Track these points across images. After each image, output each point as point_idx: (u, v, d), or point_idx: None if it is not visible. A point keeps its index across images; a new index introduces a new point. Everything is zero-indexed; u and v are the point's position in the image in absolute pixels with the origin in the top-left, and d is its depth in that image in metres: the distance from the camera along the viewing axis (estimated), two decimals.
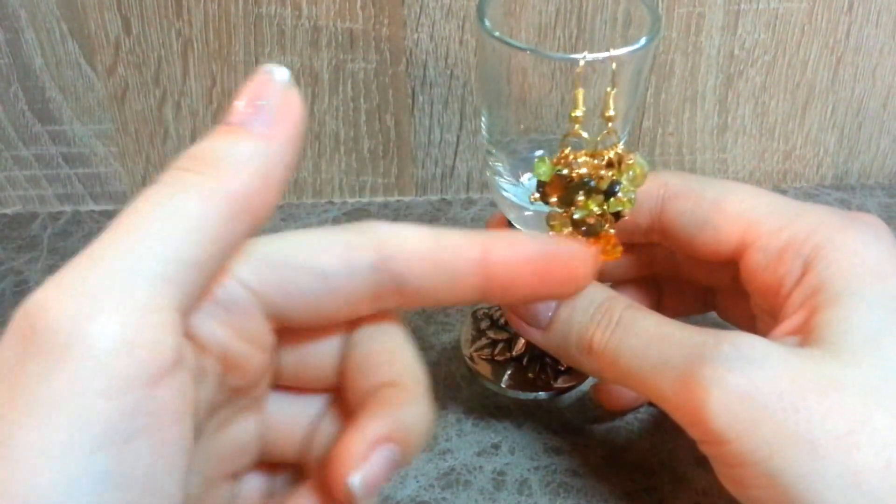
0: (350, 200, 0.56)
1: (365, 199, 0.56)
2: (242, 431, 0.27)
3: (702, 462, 0.40)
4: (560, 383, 0.41)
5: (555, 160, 0.32)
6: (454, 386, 0.44)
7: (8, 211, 0.56)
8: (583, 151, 0.32)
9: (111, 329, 0.20)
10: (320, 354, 0.28)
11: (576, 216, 0.33)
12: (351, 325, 0.27)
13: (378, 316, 0.27)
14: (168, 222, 0.22)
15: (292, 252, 0.25)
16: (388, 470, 0.24)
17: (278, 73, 0.24)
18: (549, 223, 0.33)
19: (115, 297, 0.21)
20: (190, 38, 0.50)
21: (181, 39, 0.51)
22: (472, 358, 0.42)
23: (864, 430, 0.28)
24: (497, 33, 0.33)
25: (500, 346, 0.42)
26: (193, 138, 0.54)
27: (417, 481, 0.39)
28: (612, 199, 0.32)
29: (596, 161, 0.32)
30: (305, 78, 0.52)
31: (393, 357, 0.27)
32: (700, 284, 0.40)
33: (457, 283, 0.26)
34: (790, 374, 0.29)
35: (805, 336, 0.30)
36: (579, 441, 0.41)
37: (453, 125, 0.54)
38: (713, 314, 0.41)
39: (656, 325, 0.32)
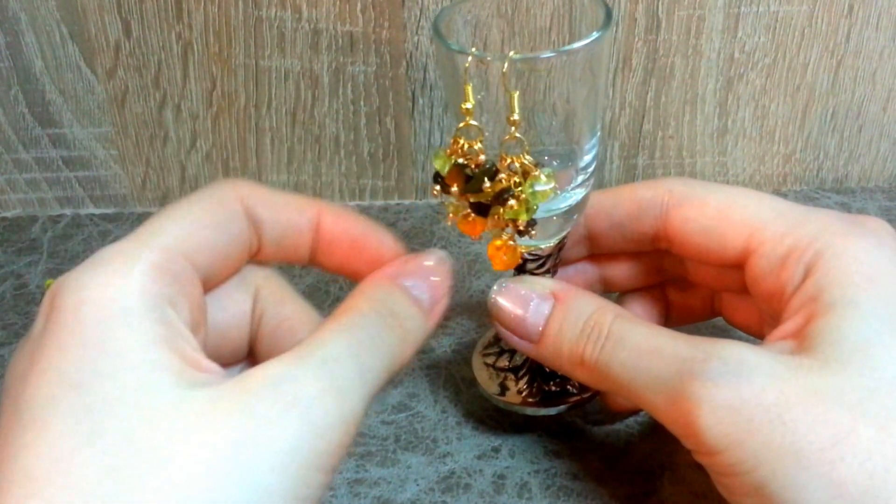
0: (350, 203, 0.56)
1: (365, 202, 0.56)
2: None
3: (701, 465, 0.40)
4: (566, 400, 0.40)
5: (449, 151, 0.33)
6: (454, 389, 0.44)
7: (8, 214, 0.56)
8: (477, 140, 0.33)
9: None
10: (235, 328, 0.31)
11: (472, 200, 0.34)
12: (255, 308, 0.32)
13: (275, 285, 0.32)
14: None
15: (199, 221, 0.29)
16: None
17: (447, 260, 0.32)
18: (447, 205, 0.35)
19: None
20: (190, 41, 0.50)
21: (181, 42, 0.51)
22: (474, 363, 0.42)
23: (848, 442, 0.28)
24: (450, 42, 0.33)
25: (504, 356, 0.41)
26: (193, 141, 0.54)
27: (417, 485, 0.39)
28: (507, 206, 0.33)
29: (506, 163, 0.33)
30: (305, 81, 0.52)
31: (299, 323, 0.32)
32: (707, 290, 0.40)
33: (298, 237, 0.32)
34: (778, 387, 0.29)
35: (799, 343, 0.31)
36: (579, 444, 0.41)
37: (453, 128, 0.54)
38: (719, 320, 0.41)
39: (646, 338, 0.32)
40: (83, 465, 0.22)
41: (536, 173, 0.32)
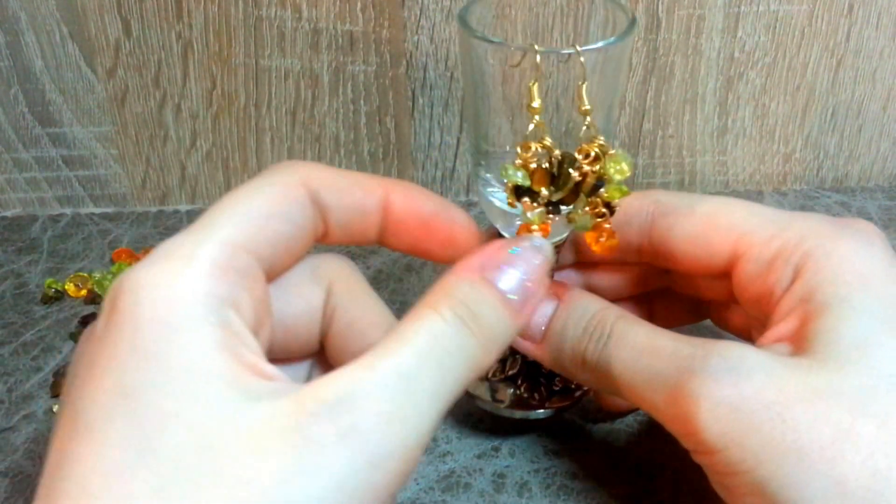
0: None
1: None
2: None
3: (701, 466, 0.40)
4: (553, 403, 0.40)
5: (520, 162, 0.32)
6: None
7: (8, 213, 0.56)
8: (548, 138, 0.32)
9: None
10: (305, 324, 0.30)
11: (554, 199, 0.33)
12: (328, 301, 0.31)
13: (350, 281, 0.31)
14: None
15: (262, 211, 0.28)
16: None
17: (547, 259, 0.30)
18: (531, 217, 0.34)
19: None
20: (190, 40, 0.50)
21: (181, 42, 0.51)
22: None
23: (849, 439, 0.28)
24: (478, 32, 0.33)
25: (496, 365, 0.41)
26: (193, 140, 0.54)
27: (417, 484, 0.39)
28: (601, 191, 0.32)
29: (580, 156, 0.32)
30: (305, 80, 0.52)
31: (372, 324, 0.30)
32: (694, 299, 0.40)
33: (366, 219, 0.30)
34: (777, 385, 0.29)
35: (796, 344, 0.31)
36: (579, 444, 0.41)
37: (453, 127, 0.54)
38: (708, 322, 0.41)
39: (647, 337, 0.32)
40: (132, 483, 0.22)
41: (613, 152, 0.32)
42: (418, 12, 0.50)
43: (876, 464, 0.27)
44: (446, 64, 0.51)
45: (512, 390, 0.40)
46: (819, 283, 0.31)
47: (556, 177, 0.33)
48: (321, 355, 0.32)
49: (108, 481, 0.22)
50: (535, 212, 0.33)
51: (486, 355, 0.27)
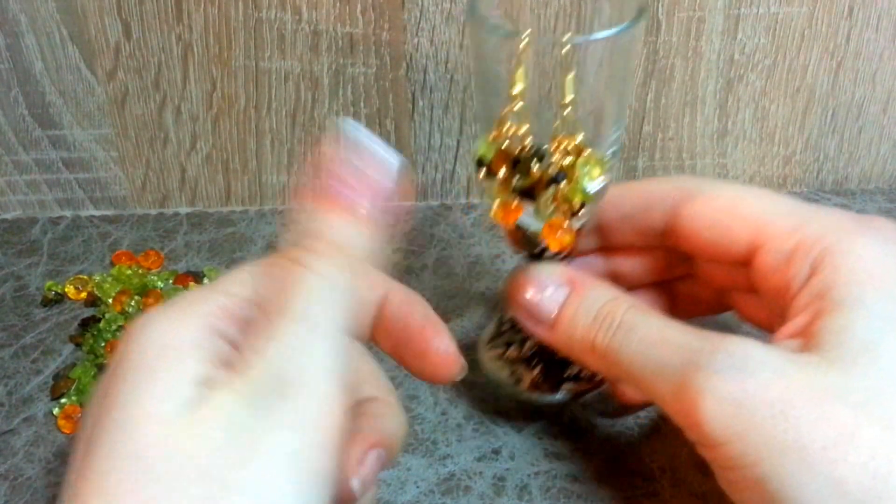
0: None
1: None
2: None
3: (701, 467, 0.40)
4: (567, 388, 0.40)
5: (493, 136, 0.33)
6: (454, 391, 0.44)
7: (8, 216, 0.56)
8: (525, 125, 0.33)
9: None
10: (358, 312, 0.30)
11: (516, 184, 0.33)
12: None
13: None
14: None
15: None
16: (379, 469, 0.30)
17: (395, 161, 0.28)
18: (491, 193, 0.34)
19: None
20: (190, 42, 0.50)
21: (181, 44, 0.51)
22: (482, 357, 0.42)
23: (851, 441, 0.28)
24: (489, 22, 0.33)
25: (513, 347, 0.41)
26: (193, 143, 0.54)
27: (418, 487, 0.39)
28: (562, 185, 0.33)
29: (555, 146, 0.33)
30: (305, 82, 0.52)
31: (372, 375, 0.32)
32: (716, 287, 0.40)
33: (363, 309, 0.31)
34: (783, 383, 0.29)
35: (807, 341, 0.31)
36: (579, 446, 0.41)
37: (453, 130, 0.54)
38: (728, 316, 0.41)
39: (657, 329, 0.32)
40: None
41: (587, 154, 0.33)
42: (418, 14, 0.50)
43: (877, 466, 0.27)
44: (446, 66, 0.51)
45: (529, 374, 0.40)
46: (835, 280, 0.31)
47: (516, 162, 0.33)
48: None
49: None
50: (490, 183, 0.34)
51: (359, 274, 0.28)
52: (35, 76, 0.51)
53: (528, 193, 0.34)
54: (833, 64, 0.53)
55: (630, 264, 0.41)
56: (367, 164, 0.28)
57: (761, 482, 0.28)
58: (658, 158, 0.56)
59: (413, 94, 0.52)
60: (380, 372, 0.33)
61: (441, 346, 0.32)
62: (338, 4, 0.49)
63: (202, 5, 0.49)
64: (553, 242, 0.35)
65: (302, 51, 0.51)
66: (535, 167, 0.33)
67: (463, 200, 0.57)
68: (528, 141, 0.33)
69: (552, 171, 0.33)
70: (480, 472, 0.40)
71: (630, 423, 0.42)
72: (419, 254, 0.52)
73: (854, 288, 0.31)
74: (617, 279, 0.41)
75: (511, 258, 0.52)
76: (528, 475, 0.40)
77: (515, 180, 0.34)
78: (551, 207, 0.34)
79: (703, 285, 0.40)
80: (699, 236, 0.36)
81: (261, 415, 0.24)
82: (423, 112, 0.53)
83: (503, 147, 0.33)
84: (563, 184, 0.33)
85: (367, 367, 0.33)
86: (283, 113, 0.53)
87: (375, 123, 0.53)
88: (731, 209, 0.35)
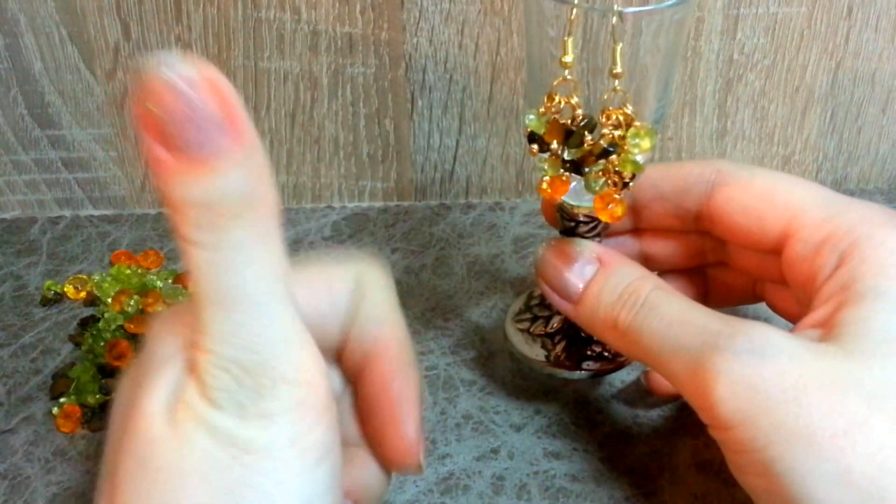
0: (349, 205, 0.56)
1: (364, 204, 0.56)
2: None
3: (701, 467, 0.40)
4: (588, 366, 0.40)
5: (543, 109, 0.33)
6: (453, 391, 0.44)
7: (7, 215, 0.56)
8: (575, 96, 0.33)
9: None
10: (329, 323, 0.30)
11: (566, 157, 0.33)
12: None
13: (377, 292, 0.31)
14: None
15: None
16: None
17: (181, 70, 0.23)
18: (541, 165, 0.34)
19: None
20: (189, 42, 0.50)
21: (180, 44, 0.51)
22: (508, 331, 0.42)
23: (861, 432, 0.28)
24: None
25: (539, 322, 0.41)
26: None
27: (416, 486, 0.39)
28: (612, 159, 0.33)
29: (603, 118, 0.32)
30: (304, 82, 0.52)
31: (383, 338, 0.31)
32: (749, 275, 0.40)
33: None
34: (799, 370, 0.29)
35: (827, 331, 0.31)
36: (578, 446, 0.41)
37: (452, 129, 0.54)
38: (757, 308, 0.41)
39: (679, 310, 0.33)
40: None
41: (639, 125, 0.32)
42: (417, 14, 0.50)
43: (885, 458, 0.27)
44: (445, 66, 0.51)
45: (553, 350, 0.40)
46: (861, 272, 0.31)
47: (570, 134, 0.33)
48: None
49: None
50: (543, 155, 0.33)
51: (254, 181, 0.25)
52: (34, 76, 0.51)
53: (576, 166, 0.34)
54: (832, 64, 0.53)
55: (662, 247, 0.41)
56: (168, 98, 0.23)
57: (769, 466, 0.29)
58: (657, 159, 0.56)
59: (412, 94, 0.53)
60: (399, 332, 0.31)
61: (405, 436, 0.30)
62: (337, 4, 0.49)
63: (201, 5, 0.49)
64: (604, 214, 0.35)
65: (301, 51, 0.51)
66: (588, 139, 0.33)
67: (462, 200, 0.57)
68: (579, 112, 0.33)
69: (604, 142, 0.33)
70: (479, 472, 0.40)
71: (629, 423, 0.42)
72: (418, 254, 0.52)
73: (880, 281, 0.31)
74: (648, 261, 0.41)
75: (510, 257, 0.52)
76: (527, 475, 0.40)
77: (565, 153, 0.34)
78: (602, 180, 0.34)
79: (736, 274, 0.40)
80: (732, 221, 0.36)
81: (241, 413, 0.24)
82: (422, 112, 0.53)
83: (556, 119, 0.33)
84: (613, 156, 0.33)
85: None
86: (283, 113, 0.53)
87: (375, 123, 0.53)
88: (765, 196, 0.35)
